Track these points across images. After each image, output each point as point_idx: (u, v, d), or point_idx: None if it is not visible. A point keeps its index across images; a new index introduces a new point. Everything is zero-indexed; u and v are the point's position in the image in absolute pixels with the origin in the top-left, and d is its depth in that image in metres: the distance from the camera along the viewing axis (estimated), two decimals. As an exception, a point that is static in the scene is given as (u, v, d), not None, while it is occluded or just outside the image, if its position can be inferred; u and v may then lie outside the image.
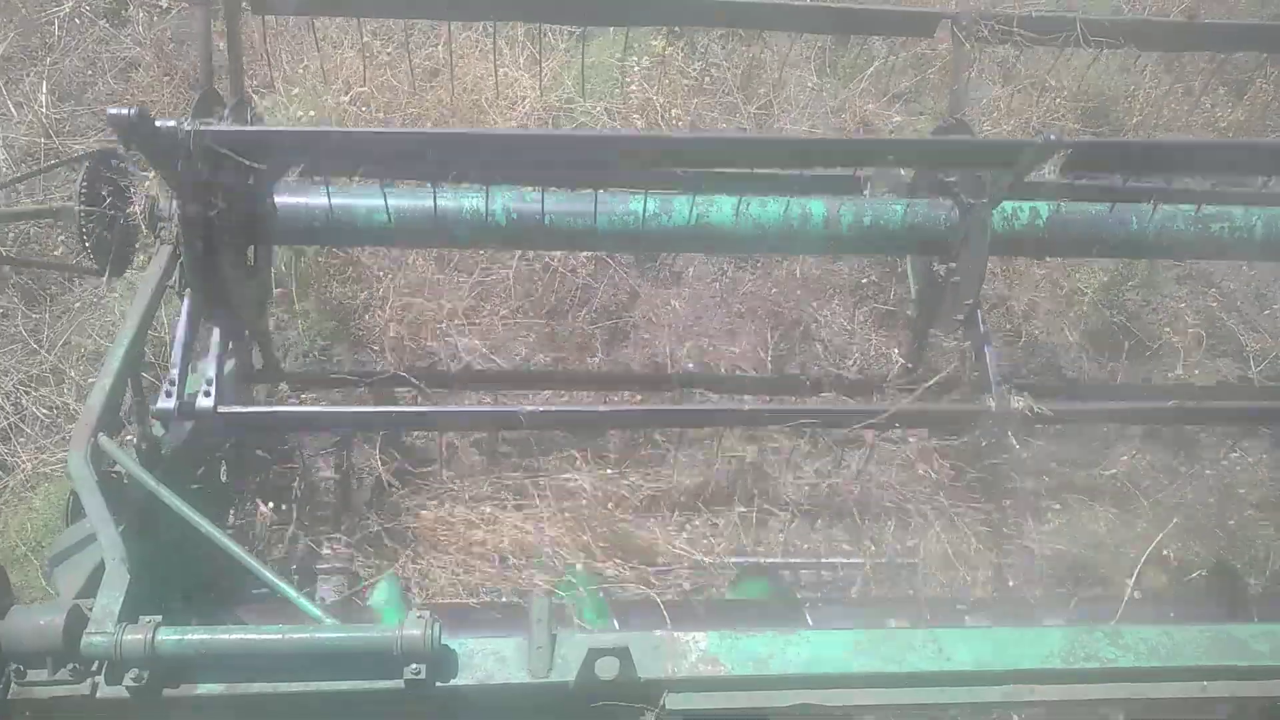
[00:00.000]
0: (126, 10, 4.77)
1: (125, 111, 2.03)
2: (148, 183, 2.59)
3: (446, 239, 3.07)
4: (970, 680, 1.95)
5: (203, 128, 2.22)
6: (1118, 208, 3.00)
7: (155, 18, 4.70)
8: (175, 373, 2.49)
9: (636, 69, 4.30)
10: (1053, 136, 2.43)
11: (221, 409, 2.54)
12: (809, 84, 4.67)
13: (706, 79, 4.49)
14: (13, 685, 1.76)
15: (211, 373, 2.54)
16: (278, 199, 2.73)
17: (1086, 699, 2.00)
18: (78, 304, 3.70)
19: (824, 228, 2.92)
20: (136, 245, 2.76)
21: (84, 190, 2.46)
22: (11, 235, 3.69)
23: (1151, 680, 2.01)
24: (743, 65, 4.55)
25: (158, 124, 2.15)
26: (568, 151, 2.59)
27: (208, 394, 2.52)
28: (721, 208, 2.88)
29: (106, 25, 4.66)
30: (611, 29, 4.13)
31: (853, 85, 4.61)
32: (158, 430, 2.58)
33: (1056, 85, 4.52)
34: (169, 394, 2.48)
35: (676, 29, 4.44)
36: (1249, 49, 3.77)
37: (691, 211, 2.85)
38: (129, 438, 2.44)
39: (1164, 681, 2.01)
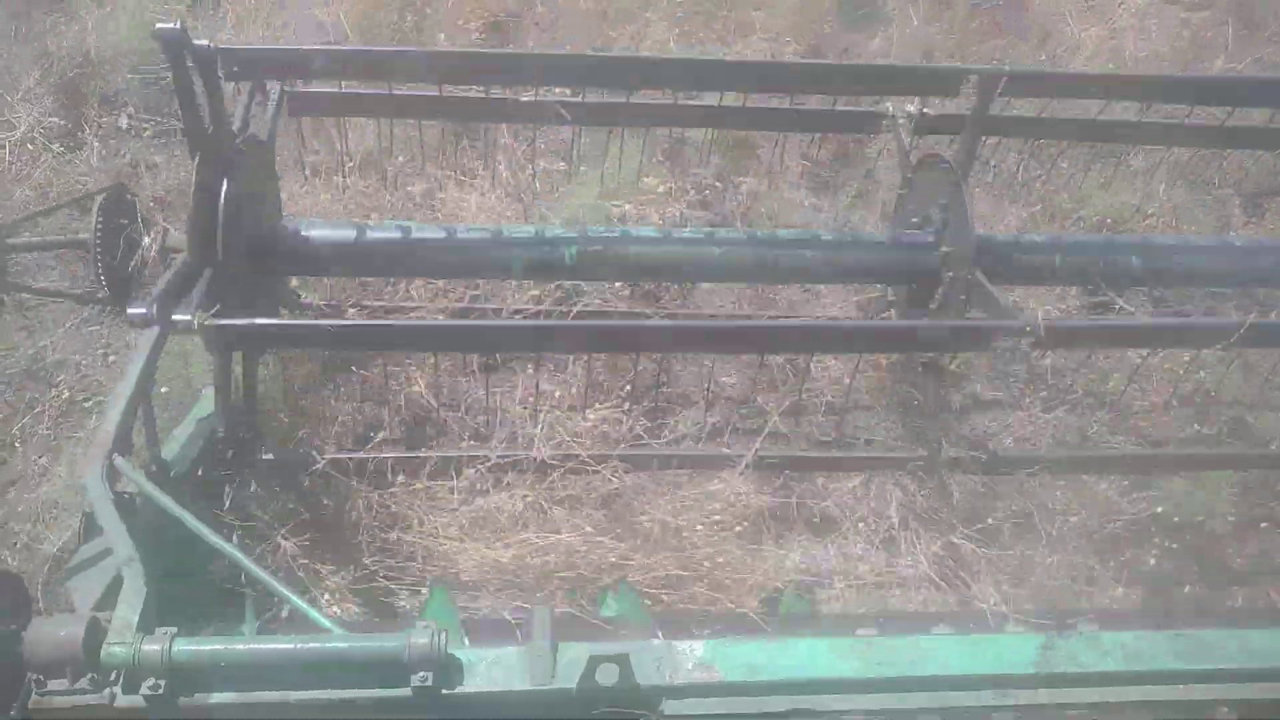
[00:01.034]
0: (82, 133, 4.40)
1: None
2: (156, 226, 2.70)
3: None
4: (954, 685, 2.03)
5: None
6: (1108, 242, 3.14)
7: (112, 141, 4.45)
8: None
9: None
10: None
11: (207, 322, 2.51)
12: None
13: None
14: (33, 694, 1.83)
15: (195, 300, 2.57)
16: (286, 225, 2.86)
17: (1066, 702, 2.09)
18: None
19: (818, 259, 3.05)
20: (145, 274, 2.85)
21: (100, 222, 2.55)
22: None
23: (1127, 684, 2.10)
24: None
25: None
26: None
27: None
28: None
29: (60, 150, 4.29)
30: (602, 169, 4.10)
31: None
32: (167, 454, 2.66)
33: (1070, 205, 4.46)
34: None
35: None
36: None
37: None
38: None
39: (1140, 685, 2.10)
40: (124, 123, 4.45)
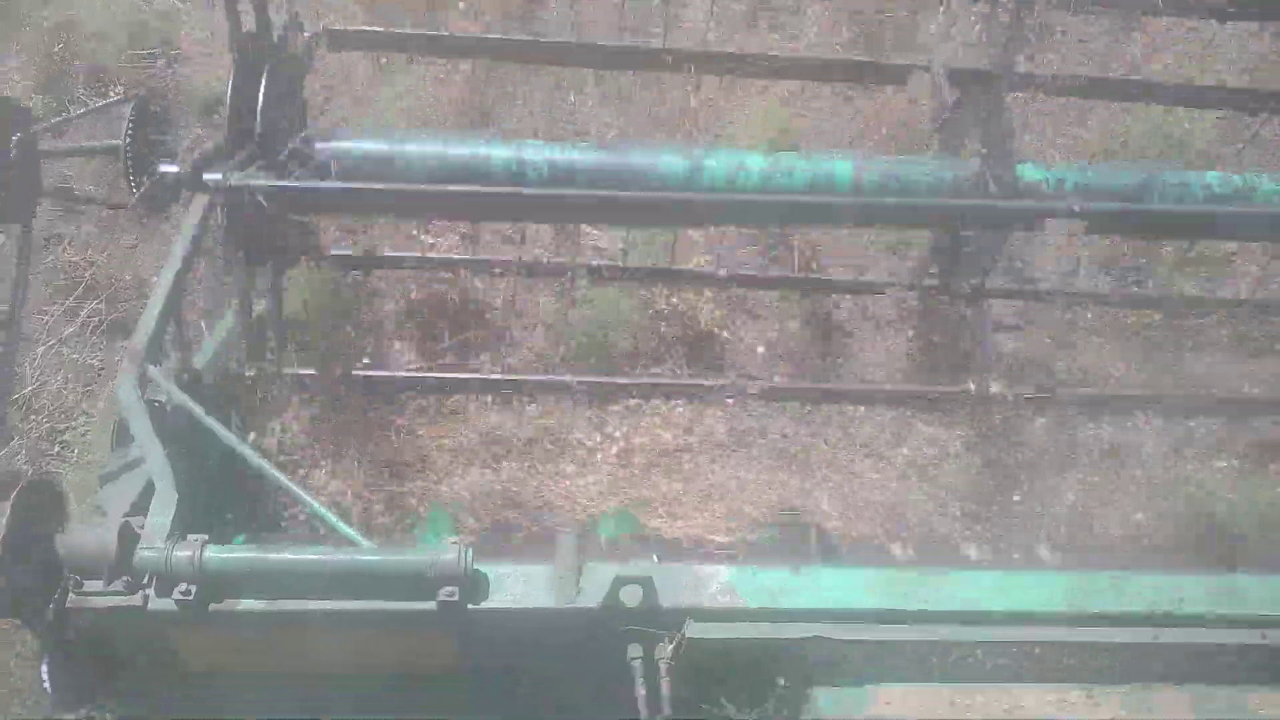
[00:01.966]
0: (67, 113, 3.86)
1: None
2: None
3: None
4: (976, 620, 2.03)
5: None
6: (1151, 178, 3.02)
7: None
8: None
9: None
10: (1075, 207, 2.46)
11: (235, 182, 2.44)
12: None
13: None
14: (70, 595, 1.86)
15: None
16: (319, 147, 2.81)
17: (1089, 642, 2.08)
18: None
19: (850, 191, 2.96)
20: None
21: (131, 128, 2.52)
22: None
23: (1153, 626, 2.08)
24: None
25: None
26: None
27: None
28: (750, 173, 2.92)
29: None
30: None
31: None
32: (198, 362, 2.67)
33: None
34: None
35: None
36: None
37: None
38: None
39: (1165, 627, 2.09)
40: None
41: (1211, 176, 3.05)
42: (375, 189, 2.68)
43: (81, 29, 4.21)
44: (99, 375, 3.48)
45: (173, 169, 2.46)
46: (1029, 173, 2.90)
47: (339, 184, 2.71)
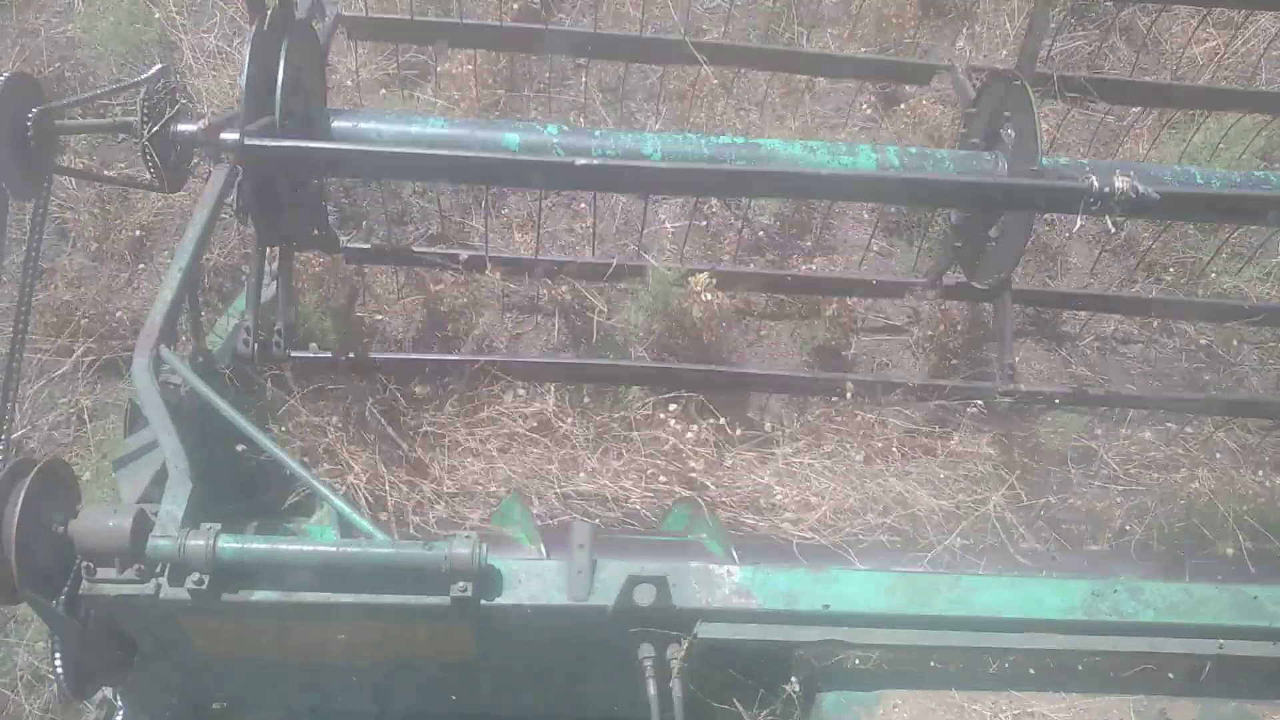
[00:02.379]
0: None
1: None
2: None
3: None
4: (992, 626, 2.02)
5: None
6: (1182, 172, 2.98)
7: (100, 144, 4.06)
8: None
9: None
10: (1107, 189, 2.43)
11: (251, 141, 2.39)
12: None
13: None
14: (84, 581, 1.86)
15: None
16: (335, 125, 2.78)
17: (1104, 650, 2.07)
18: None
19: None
20: (195, 162, 2.80)
21: (146, 106, 2.50)
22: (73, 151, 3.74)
23: (1169, 636, 2.07)
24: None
25: None
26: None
27: None
28: (774, 150, 2.88)
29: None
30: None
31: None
32: (212, 345, 2.66)
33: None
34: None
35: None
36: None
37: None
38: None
39: (1181, 638, 2.08)
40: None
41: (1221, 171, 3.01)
42: (389, 152, 2.64)
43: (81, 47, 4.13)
44: (91, 417, 3.42)
45: (191, 127, 2.44)
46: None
47: (354, 146, 2.68)
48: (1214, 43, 4.37)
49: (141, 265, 3.77)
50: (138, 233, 3.77)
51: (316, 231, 3.08)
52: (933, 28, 4.54)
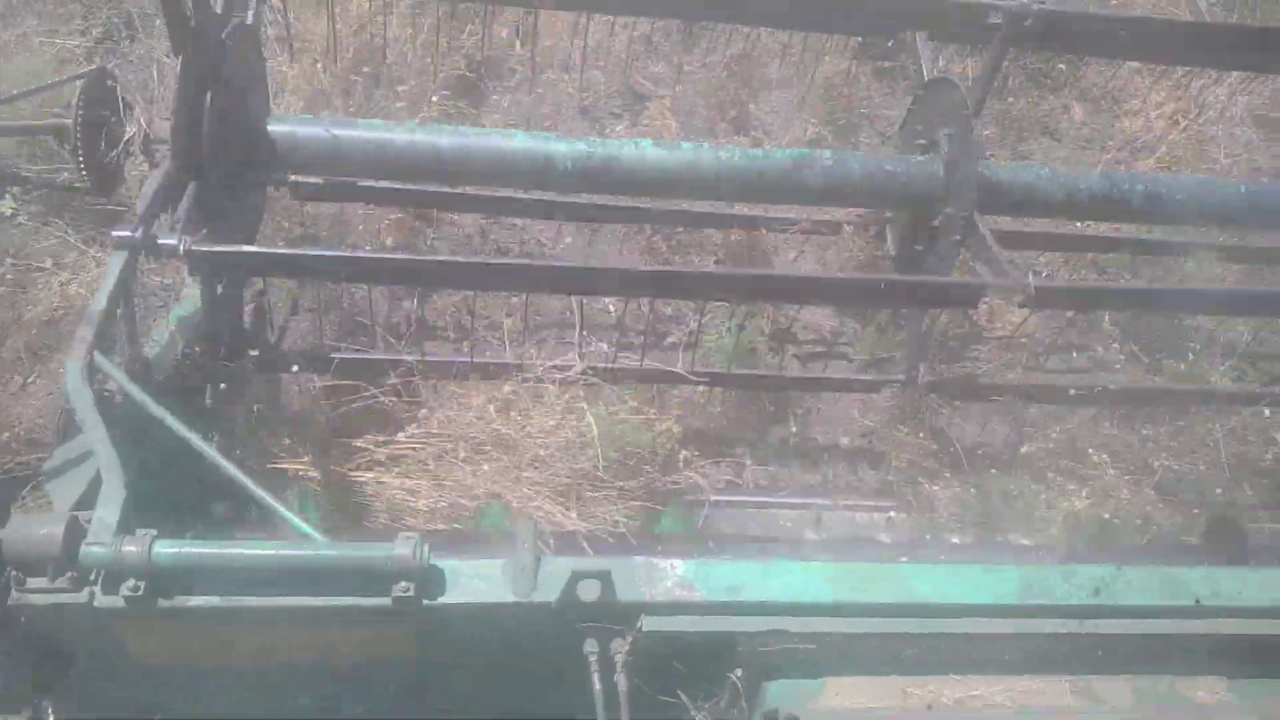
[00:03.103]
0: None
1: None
2: (139, 109, 2.59)
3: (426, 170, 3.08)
4: (932, 612, 2.06)
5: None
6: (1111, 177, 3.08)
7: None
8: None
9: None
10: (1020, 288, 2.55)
11: (194, 247, 2.39)
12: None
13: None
14: (13, 591, 1.82)
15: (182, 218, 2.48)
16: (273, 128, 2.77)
17: (1039, 633, 2.12)
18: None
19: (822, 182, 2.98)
20: (127, 164, 2.76)
21: (81, 108, 2.46)
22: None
23: (1100, 617, 2.13)
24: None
25: None
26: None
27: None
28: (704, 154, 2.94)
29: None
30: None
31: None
32: (149, 351, 2.61)
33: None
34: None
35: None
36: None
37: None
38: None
39: (1112, 619, 2.14)
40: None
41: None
42: (333, 256, 2.69)
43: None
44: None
45: (126, 234, 2.36)
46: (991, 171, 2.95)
47: (324, 251, 2.78)
48: (1171, 107, 4.47)
49: (37, 368, 3.35)
50: (33, 332, 3.38)
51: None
52: (885, 93, 4.57)
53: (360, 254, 2.77)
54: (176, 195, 2.51)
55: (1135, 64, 4.39)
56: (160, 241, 2.39)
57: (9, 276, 3.46)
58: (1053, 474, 3.29)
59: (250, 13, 2.80)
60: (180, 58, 2.42)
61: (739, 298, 3.22)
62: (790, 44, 4.36)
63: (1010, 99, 4.45)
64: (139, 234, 2.36)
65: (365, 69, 4.10)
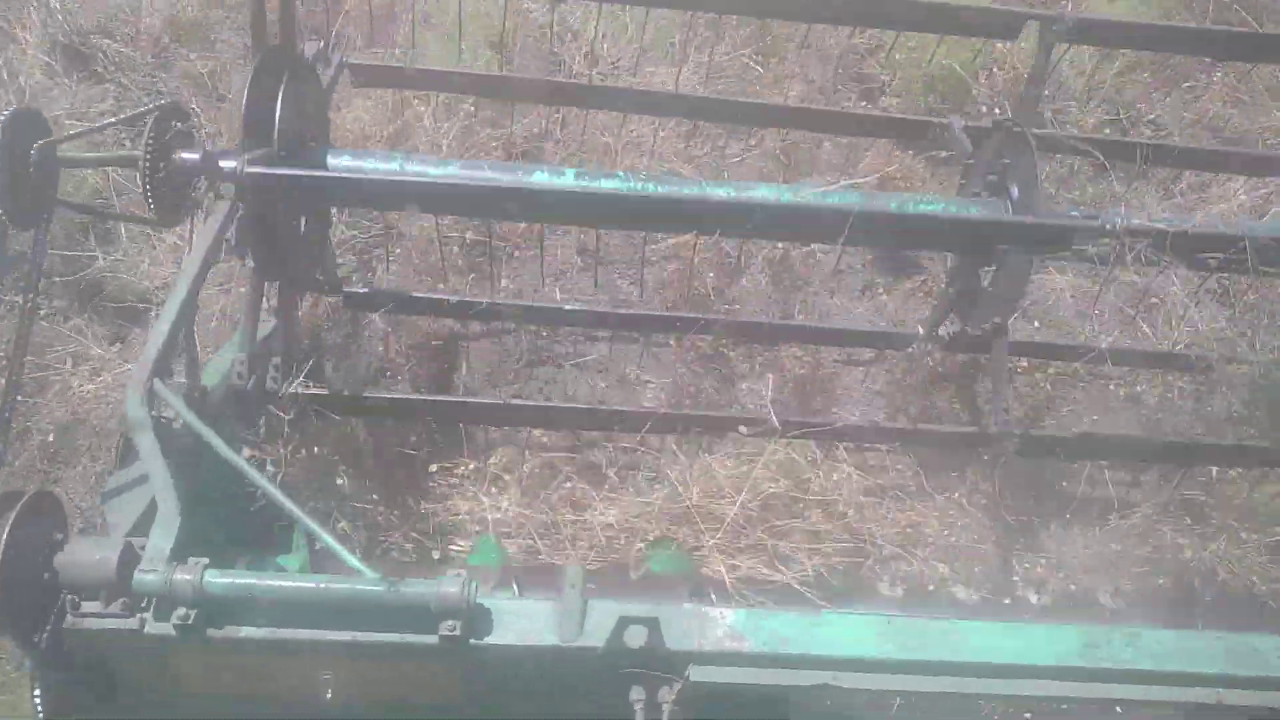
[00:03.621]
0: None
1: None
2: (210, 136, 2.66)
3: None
4: (988, 672, 1.99)
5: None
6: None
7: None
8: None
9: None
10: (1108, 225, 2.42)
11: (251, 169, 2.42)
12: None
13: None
14: (68, 615, 1.84)
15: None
16: (332, 162, 2.81)
17: (1101, 698, 2.04)
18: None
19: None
20: (192, 194, 2.82)
21: (151, 141, 2.51)
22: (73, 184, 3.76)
23: (1167, 684, 2.05)
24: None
25: None
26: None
27: None
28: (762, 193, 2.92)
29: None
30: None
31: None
32: (207, 380, 2.65)
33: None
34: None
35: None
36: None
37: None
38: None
39: (1179, 686, 2.05)
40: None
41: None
42: (392, 180, 2.69)
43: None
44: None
45: (191, 155, 2.46)
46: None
47: (355, 175, 2.71)
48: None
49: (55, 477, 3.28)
50: (49, 438, 3.33)
51: (320, 276, 3.10)
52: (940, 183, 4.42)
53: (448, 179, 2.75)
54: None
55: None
56: (222, 164, 2.46)
57: (28, 377, 3.26)
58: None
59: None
60: (257, 56, 2.53)
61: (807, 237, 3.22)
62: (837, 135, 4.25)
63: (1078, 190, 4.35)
64: (199, 156, 2.46)
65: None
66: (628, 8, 4.09)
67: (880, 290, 4.03)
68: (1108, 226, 2.45)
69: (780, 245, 3.82)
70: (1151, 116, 4.57)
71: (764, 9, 3.34)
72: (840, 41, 4.47)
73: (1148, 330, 3.76)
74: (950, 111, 4.00)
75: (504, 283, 3.84)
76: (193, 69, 4.27)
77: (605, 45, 4.43)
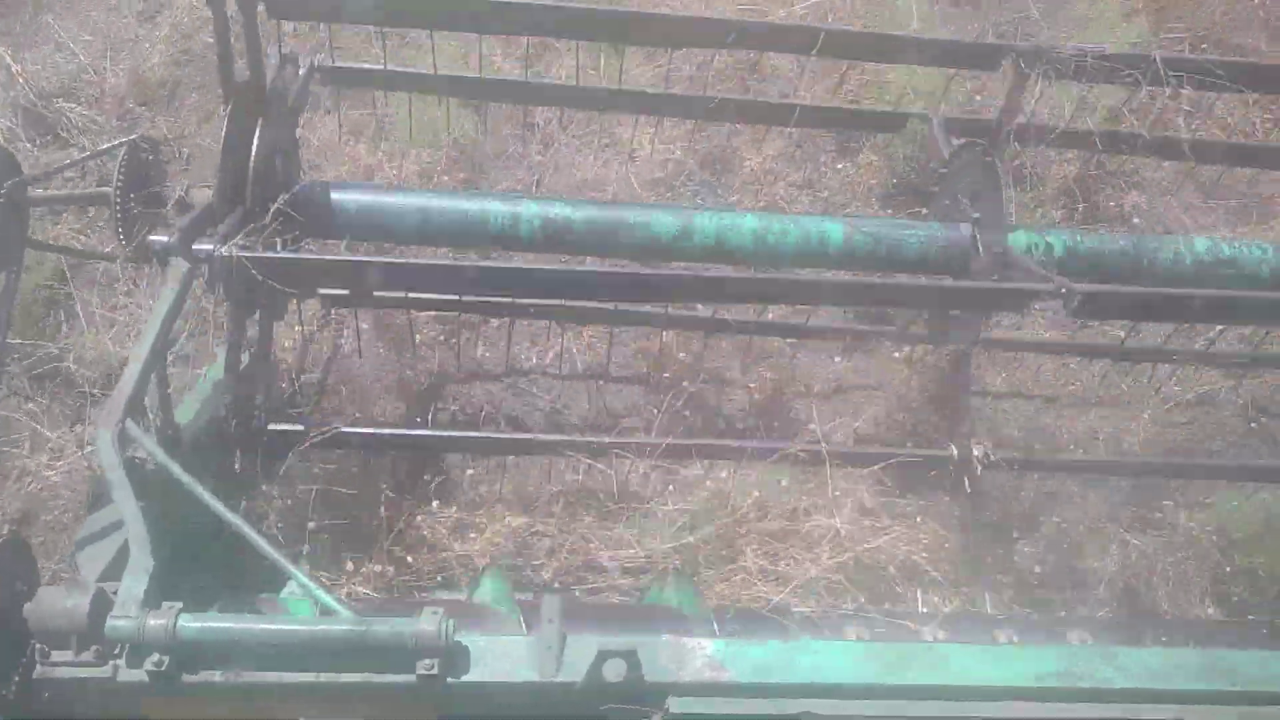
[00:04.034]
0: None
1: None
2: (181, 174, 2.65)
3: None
4: (968, 695, 1.99)
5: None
6: (1138, 243, 3.03)
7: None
8: None
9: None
10: (1064, 289, 2.47)
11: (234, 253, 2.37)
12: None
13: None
14: (38, 665, 1.81)
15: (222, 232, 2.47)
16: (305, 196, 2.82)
17: (1082, 718, 2.05)
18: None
19: (841, 252, 2.97)
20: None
21: (121, 177, 2.51)
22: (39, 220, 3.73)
23: (1146, 702, 2.05)
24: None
25: None
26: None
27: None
28: (742, 232, 2.94)
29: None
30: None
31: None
32: (180, 418, 2.63)
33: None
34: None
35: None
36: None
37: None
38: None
39: (1159, 703, 2.06)
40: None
41: (1200, 244, 3.07)
42: (372, 262, 2.66)
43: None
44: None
45: (163, 239, 2.42)
46: (1019, 239, 2.91)
47: (333, 257, 2.71)
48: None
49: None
50: (5, 529, 3.17)
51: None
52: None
53: (444, 263, 2.74)
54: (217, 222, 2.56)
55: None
56: (197, 247, 2.41)
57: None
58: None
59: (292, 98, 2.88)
60: (230, 105, 2.50)
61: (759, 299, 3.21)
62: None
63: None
64: (175, 239, 2.39)
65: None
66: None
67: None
68: (1064, 291, 2.49)
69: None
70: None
71: (737, 44, 3.36)
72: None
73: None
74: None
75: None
76: (158, 131, 4.22)
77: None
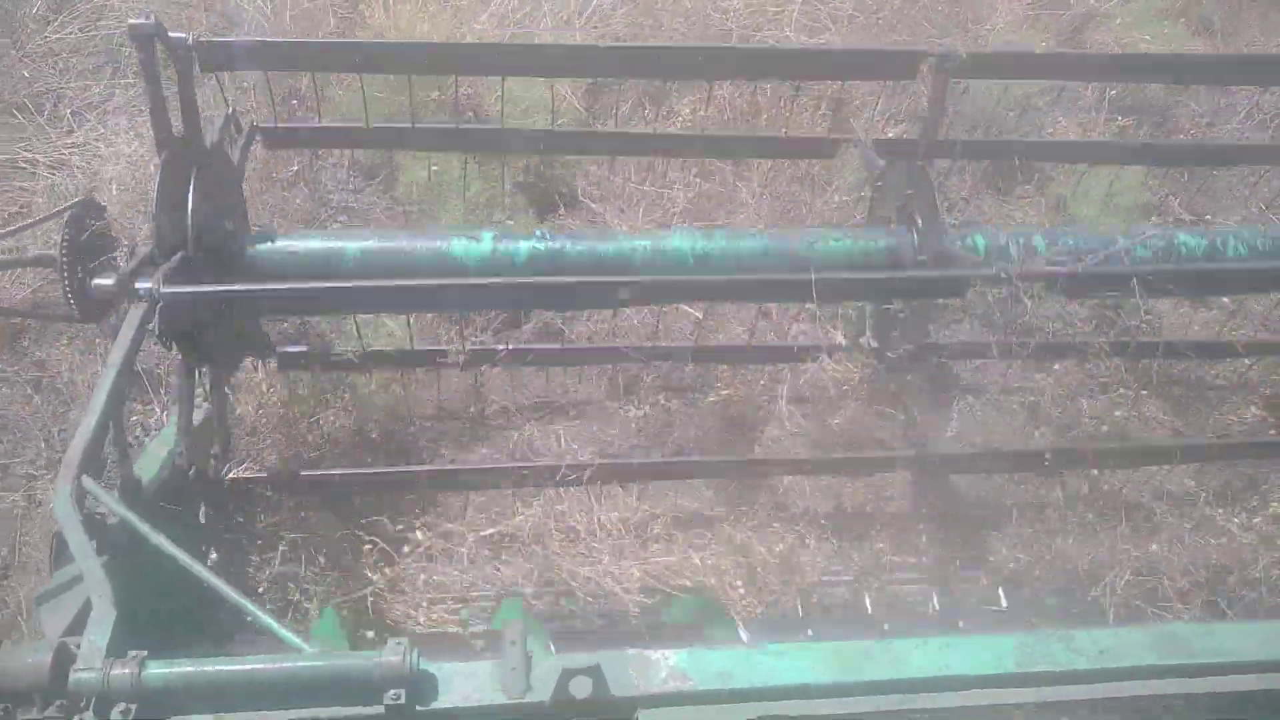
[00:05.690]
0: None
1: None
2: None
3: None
4: (927, 687, 2.04)
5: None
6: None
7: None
8: None
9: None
10: (1002, 273, 2.54)
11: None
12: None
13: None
14: (2, 725, 1.82)
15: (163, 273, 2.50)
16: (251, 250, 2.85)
17: (1041, 701, 2.09)
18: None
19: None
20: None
21: (66, 239, 2.53)
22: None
23: (1104, 681, 2.11)
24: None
25: None
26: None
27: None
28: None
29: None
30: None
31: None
32: (139, 472, 2.64)
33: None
34: None
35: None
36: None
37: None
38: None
39: (1116, 681, 2.11)
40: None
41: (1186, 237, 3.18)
42: (314, 288, 2.70)
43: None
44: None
45: (106, 282, 2.47)
46: (980, 240, 3.00)
47: (274, 286, 2.72)
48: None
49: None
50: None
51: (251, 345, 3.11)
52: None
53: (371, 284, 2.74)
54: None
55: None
56: (138, 285, 2.48)
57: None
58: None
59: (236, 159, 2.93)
60: (162, 156, 2.55)
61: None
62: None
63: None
64: (117, 281, 2.46)
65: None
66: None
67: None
68: (1002, 275, 2.56)
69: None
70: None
71: (663, 73, 3.44)
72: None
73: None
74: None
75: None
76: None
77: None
